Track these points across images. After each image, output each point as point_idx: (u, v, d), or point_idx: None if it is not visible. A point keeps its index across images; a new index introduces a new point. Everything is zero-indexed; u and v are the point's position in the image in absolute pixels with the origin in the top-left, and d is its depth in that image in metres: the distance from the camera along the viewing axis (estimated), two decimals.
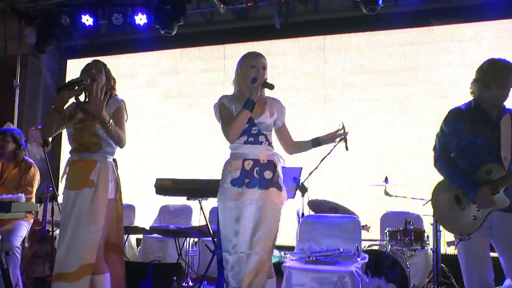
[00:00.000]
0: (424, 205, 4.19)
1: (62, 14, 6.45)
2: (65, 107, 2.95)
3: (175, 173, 6.38)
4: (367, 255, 3.68)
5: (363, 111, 5.99)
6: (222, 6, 5.49)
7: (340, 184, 5.90)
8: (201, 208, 4.24)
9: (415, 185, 5.19)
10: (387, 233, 4.51)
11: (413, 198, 4.51)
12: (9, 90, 6.92)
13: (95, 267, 2.70)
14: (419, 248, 4.48)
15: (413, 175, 5.52)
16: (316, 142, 2.82)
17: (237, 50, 6.64)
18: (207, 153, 6.57)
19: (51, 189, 5.33)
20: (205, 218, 4.25)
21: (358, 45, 6.16)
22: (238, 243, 2.55)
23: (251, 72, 2.69)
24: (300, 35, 6.32)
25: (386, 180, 4.45)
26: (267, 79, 2.69)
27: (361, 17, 6.08)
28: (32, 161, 4.45)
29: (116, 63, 6.83)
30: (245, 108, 2.59)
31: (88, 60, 7.27)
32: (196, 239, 5.32)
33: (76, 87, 2.89)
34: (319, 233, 3.88)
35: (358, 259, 3.54)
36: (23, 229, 4.24)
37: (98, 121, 2.79)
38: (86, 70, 3.00)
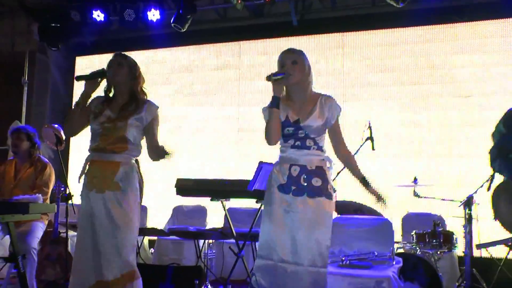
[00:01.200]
0: (460, 206, 4.04)
1: (72, 10, 6.28)
2: (89, 102, 2.79)
3: (187, 173, 6.23)
4: (401, 259, 3.54)
5: (382, 109, 5.86)
6: (239, 1, 5.34)
7: (356, 184, 5.75)
8: (224, 209, 4.10)
9: (442, 185, 5.07)
10: (414, 235, 4.38)
11: (444, 200, 4.37)
12: (17, 87, 6.76)
13: (134, 272, 2.56)
14: (446, 251, 4.36)
15: (439, 175, 5.39)
16: (365, 184, 2.63)
17: (253, 47, 6.50)
18: (221, 152, 6.42)
19: (62, 189, 5.18)
20: (228, 220, 4.11)
21: (378, 42, 6.03)
22: (283, 253, 2.40)
23: (280, 70, 2.54)
24: (318, 32, 6.18)
25: (415, 180, 4.31)
26: (291, 73, 2.48)
27: (380, 14, 5.99)
28: (48, 161, 4.29)
29: None
30: (270, 107, 2.47)
31: (98, 57, 7.15)
32: (211, 241, 5.18)
33: (99, 79, 2.74)
34: (349, 236, 3.74)
35: (393, 262, 3.40)
36: (40, 230, 4.10)
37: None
38: (108, 65, 2.83)
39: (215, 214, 5.76)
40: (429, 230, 4.29)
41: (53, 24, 6.46)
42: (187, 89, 6.75)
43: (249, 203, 5.65)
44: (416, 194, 4.32)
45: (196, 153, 6.54)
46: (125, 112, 2.73)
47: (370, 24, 6.06)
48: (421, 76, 5.79)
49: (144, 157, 2.83)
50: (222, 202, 4.05)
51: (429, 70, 5.76)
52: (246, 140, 6.37)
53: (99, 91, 2.85)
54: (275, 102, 2.46)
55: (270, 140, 2.51)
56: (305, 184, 2.45)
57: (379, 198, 2.60)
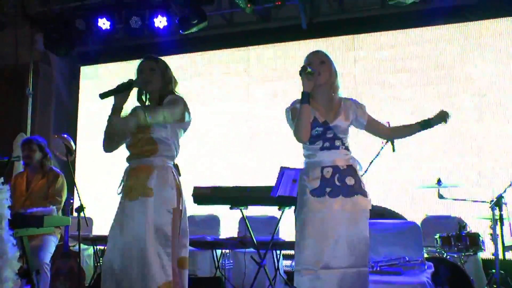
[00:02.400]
0: (490, 207, 3.92)
1: (77, 18, 6.18)
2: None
3: (198, 180, 6.09)
4: (432, 264, 3.41)
5: (397, 111, 5.75)
6: (249, 5, 5.25)
7: (374, 186, 5.65)
8: (244, 217, 3.96)
9: (465, 186, 4.96)
10: (438, 238, 4.25)
11: (473, 201, 4.24)
12: (21, 98, 6.65)
13: (174, 285, 2.40)
14: (472, 254, 4.24)
15: (461, 176, 5.28)
16: (426, 124, 2.66)
17: (262, 52, 6.41)
18: (232, 158, 6.30)
19: (71, 201, 5.04)
20: (248, 228, 3.96)
21: (389, 43, 5.95)
22: (327, 259, 2.32)
23: None
24: (328, 35, 6.10)
25: (439, 182, 4.18)
26: (320, 71, 2.48)
27: (390, 14, 5.92)
28: (60, 172, 4.17)
29: (133, 69, 6.53)
30: (302, 103, 2.43)
31: (103, 66, 7.04)
32: (226, 251, 5.05)
33: (126, 91, 2.55)
34: (376, 241, 3.58)
35: (425, 268, 3.26)
36: (52, 245, 3.98)
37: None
38: (138, 70, 2.67)
39: (226, 223, 5.63)
40: (454, 233, 4.16)
41: (58, 33, 6.35)
42: (196, 96, 6.63)
43: (262, 211, 5.54)
44: (441, 196, 4.19)
45: (206, 160, 6.41)
46: None
47: (380, 25, 5.99)
48: (435, 76, 5.70)
49: None
50: (241, 210, 3.91)
51: (442, 70, 5.67)
52: (258, 145, 6.25)
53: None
54: (306, 98, 2.43)
55: (301, 136, 2.45)
56: (339, 184, 2.41)
57: (443, 115, 2.64)
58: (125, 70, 6.71)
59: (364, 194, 2.46)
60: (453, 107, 5.57)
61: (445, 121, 2.63)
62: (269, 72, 6.36)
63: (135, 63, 2.74)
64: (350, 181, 2.43)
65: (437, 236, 4.29)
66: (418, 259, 3.27)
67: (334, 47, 6.13)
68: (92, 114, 6.99)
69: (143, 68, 2.65)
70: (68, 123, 7.04)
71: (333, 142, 2.47)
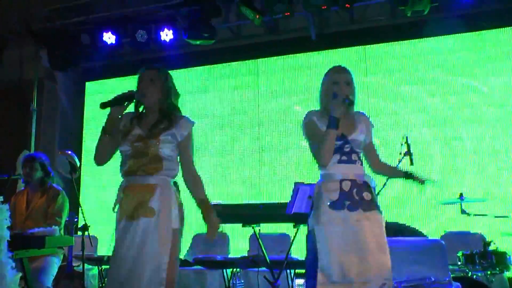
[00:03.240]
0: None
1: (82, 33, 6.09)
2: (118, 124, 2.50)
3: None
4: (459, 284, 3.19)
5: (411, 124, 5.57)
6: (257, 16, 5.13)
7: (390, 201, 5.43)
8: (257, 236, 3.75)
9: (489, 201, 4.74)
10: (461, 256, 4.01)
11: (497, 217, 4.02)
12: (26, 115, 6.54)
13: None
14: (498, 272, 4.00)
15: (484, 191, 5.06)
16: (409, 176, 2.61)
17: (271, 64, 6.27)
18: (242, 174, 6.12)
19: (75, 219, 4.87)
20: (261, 247, 3.76)
21: (400, 54, 5.80)
22: (353, 272, 2.26)
23: (334, 88, 2.47)
24: (338, 46, 5.97)
25: (461, 197, 3.96)
26: (349, 95, 2.42)
27: (401, 24, 5.79)
28: (61, 189, 3.99)
29: None
30: (331, 127, 2.37)
31: (109, 81, 6.89)
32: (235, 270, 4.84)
33: (126, 103, 2.45)
34: (397, 260, 3.32)
35: None
36: (55, 267, 3.78)
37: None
38: (138, 80, 2.54)
39: (236, 240, 5.46)
40: (478, 251, 3.93)
41: (62, 50, 6.26)
42: (203, 111, 6.48)
43: (272, 228, 5.34)
44: (463, 212, 3.96)
45: (215, 177, 6.23)
46: (156, 129, 2.44)
47: (390, 35, 5.86)
48: (451, 87, 5.52)
49: None
50: (253, 228, 3.72)
51: (458, 80, 5.50)
52: (267, 160, 6.07)
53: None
54: (335, 124, 2.37)
55: (325, 161, 2.41)
56: (357, 198, 2.37)
57: (428, 181, 2.60)
58: (131, 85, 6.58)
59: (379, 210, 2.44)
60: (474, 118, 5.38)
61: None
62: (278, 85, 6.21)
63: (161, 67, 2.60)
64: (367, 196, 2.40)
65: (459, 253, 4.06)
66: (445, 279, 3.05)
67: (344, 58, 5.99)
68: (97, 130, 6.85)
69: (142, 78, 2.51)
70: (73, 140, 6.91)
71: (350, 156, 2.44)
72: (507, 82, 5.32)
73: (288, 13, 5.27)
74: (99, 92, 6.97)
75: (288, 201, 3.45)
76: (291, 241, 3.84)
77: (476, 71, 5.47)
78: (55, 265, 3.76)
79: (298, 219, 3.37)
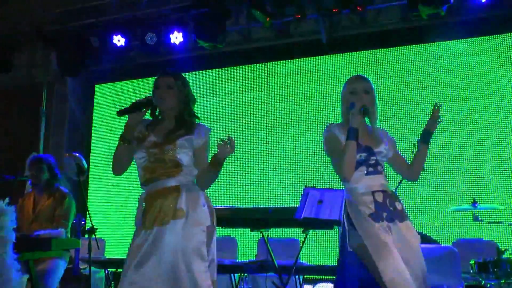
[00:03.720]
0: None
1: (92, 36, 6.09)
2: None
3: (214, 201, 5.87)
4: None
5: (422, 128, 5.46)
6: (268, 19, 5.09)
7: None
8: (266, 241, 3.68)
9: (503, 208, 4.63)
10: (474, 264, 3.91)
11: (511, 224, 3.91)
12: (35, 118, 6.55)
13: None
14: None
15: (496, 198, 4.95)
16: (425, 136, 2.50)
17: (281, 67, 6.23)
18: (250, 178, 6.06)
19: (82, 222, 4.83)
20: (270, 252, 3.69)
21: (412, 58, 5.72)
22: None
23: (352, 98, 2.43)
24: (348, 50, 5.90)
25: (474, 203, 3.86)
26: (366, 104, 2.37)
27: (412, 28, 5.71)
28: (68, 191, 3.95)
29: (149, 86, 6.41)
30: (350, 139, 2.32)
31: (118, 84, 6.83)
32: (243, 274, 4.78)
33: (143, 109, 2.37)
34: None
35: None
36: (61, 269, 3.74)
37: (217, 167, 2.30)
38: (155, 86, 2.46)
39: (243, 245, 5.43)
40: (492, 259, 3.83)
41: (72, 52, 6.26)
42: (213, 114, 6.45)
43: (279, 233, 5.28)
44: (476, 219, 3.86)
45: (224, 180, 6.18)
46: (173, 135, 2.38)
47: (402, 39, 5.78)
48: (465, 92, 5.42)
49: None
50: (262, 233, 3.65)
51: (472, 85, 5.40)
52: (278, 164, 6.02)
53: None
54: (355, 134, 2.32)
55: (347, 174, 2.34)
56: (392, 209, 2.34)
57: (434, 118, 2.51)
58: (142, 87, 6.60)
59: (409, 219, 2.41)
60: (485, 124, 5.28)
61: (438, 119, 2.52)
62: (288, 89, 6.16)
63: (150, 81, 2.56)
64: (399, 206, 2.37)
65: (472, 261, 3.95)
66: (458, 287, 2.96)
67: (355, 62, 5.92)
68: (106, 133, 6.86)
69: (160, 84, 2.43)
70: (81, 142, 6.91)
71: (376, 168, 2.40)
72: None
73: (299, 16, 5.21)
74: (108, 95, 6.97)
75: (297, 206, 3.39)
76: (300, 246, 3.76)
77: (488, 76, 5.37)
78: (61, 267, 3.73)
79: (308, 224, 3.29)
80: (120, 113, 2.31)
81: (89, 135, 6.99)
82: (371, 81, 2.49)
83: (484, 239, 4.73)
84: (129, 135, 2.37)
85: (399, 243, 2.24)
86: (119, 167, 2.42)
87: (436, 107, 2.49)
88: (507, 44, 5.36)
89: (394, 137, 2.58)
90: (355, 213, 2.33)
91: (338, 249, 2.47)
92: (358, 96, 2.40)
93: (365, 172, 2.36)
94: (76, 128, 6.97)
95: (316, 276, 4.56)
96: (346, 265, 2.33)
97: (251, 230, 3.60)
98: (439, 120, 2.48)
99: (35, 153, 6.26)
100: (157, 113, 2.50)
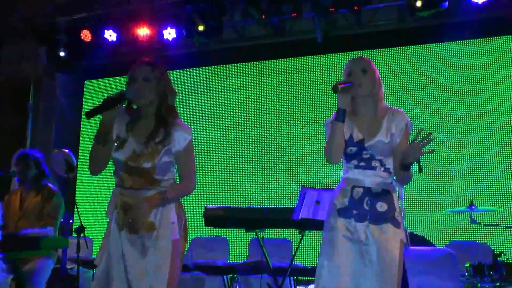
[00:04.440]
0: None
1: (83, 30, 5.96)
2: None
3: (207, 200, 5.79)
4: None
5: (418, 129, 5.44)
6: (263, 16, 5.01)
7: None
8: (260, 241, 3.61)
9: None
10: (469, 267, 3.86)
11: (509, 227, 3.87)
12: (23, 112, 6.40)
13: None
14: (509, 285, 3.86)
15: (493, 200, 4.93)
16: (402, 166, 2.15)
17: (276, 66, 6.16)
18: (243, 177, 5.98)
19: (71, 221, 4.71)
20: (264, 253, 3.62)
21: (408, 58, 5.69)
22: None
23: (349, 80, 2.25)
24: (344, 50, 5.84)
25: (471, 206, 3.81)
26: (363, 90, 2.21)
27: (409, 29, 5.69)
28: (57, 189, 3.83)
29: None
30: (336, 120, 2.19)
31: (109, 81, 6.67)
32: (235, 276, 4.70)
33: (117, 106, 2.16)
34: (407, 270, 3.24)
35: None
36: (48, 269, 3.63)
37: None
38: (130, 78, 2.25)
39: (233, 245, 5.38)
40: (488, 262, 3.80)
41: (62, 47, 6.12)
42: (206, 112, 6.35)
43: (272, 233, 5.20)
44: (474, 222, 3.81)
45: (217, 179, 6.10)
46: (152, 142, 2.20)
47: (398, 40, 5.74)
48: (463, 93, 5.39)
49: None
50: (256, 234, 3.58)
51: (468, 85, 5.38)
52: (270, 163, 5.94)
53: None
54: (341, 116, 2.18)
55: (330, 158, 2.24)
56: (368, 208, 2.17)
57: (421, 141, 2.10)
58: None
59: (395, 224, 2.17)
60: (482, 125, 5.26)
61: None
62: (282, 87, 6.09)
63: (155, 61, 2.36)
64: (381, 207, 2.17)
65: (467, 264, 3.91)
66: None
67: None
68: (96, 130, 6.73)
69: (135, 76, 2.21)
70: (70, 139, 6.76)
71: (370, 162, 2.23)
72: None
73: (296, 14, 5.14)
74: (98, 91, 6.84)
75: (293, 206, 3.33)
76: (294, 247, 3.70)
77: (485, 77, 5.36)
78: (49, 267, 3.62)
79: (305, 225, 3.23)
80: (90, 113, 2.09)
81: (77, 131, 6.85)
82: (370, 61, 2.30)
83: (477, 241, 4.72)
84: (104, 135, 2.18)
85: (363, 248, 2.11)
86: (95, 167, 2.26)
87: (420, 136, 2.13)
88: (504, 46, 5.35)
89: (410, 121, 2.31)
90: (331, 202, 2.26)
91: None
92: (354, 76, 2.23)
93: (355, 165, 2.23)
94: (65, 124, 6.82)
95: (309, 278, 4.49)
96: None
97: (246, 231, 3.54)
98: (421, 150, 2.08)
99: (22, 148, 6.14)
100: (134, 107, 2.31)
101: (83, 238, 4.12)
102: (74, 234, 4.13)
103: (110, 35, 5.92)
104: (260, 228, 3.50)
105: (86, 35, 5.97)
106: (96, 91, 6.89)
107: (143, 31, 5.79)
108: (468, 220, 4.16)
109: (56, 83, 6.69)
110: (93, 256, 5.19)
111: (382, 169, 2.22)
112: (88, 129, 6.82)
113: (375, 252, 2.11)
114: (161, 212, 2.18)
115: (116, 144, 2.24)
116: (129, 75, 2.25)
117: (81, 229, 4.07)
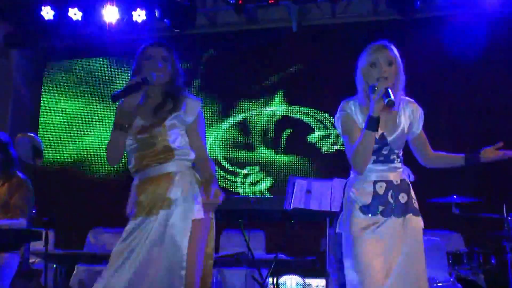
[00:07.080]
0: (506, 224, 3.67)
1: (44, 6, 5.54)
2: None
3: None
4: (461, 286, 3.11)
5: None
6: (240, 1, 4.87)
7: None
8: (243, 232, 3.52)
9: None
10: (450, 256, 3.93)
11: (486, 215, 3.93)
12: None
13: None
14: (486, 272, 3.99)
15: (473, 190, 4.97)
16: (473, 158, 2.20)
17: (249, 55, 6.02)
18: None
19: (33, 211, 4.40)
20: (247, 244, 3.52)
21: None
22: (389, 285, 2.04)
23: (372, 73, 2.11)
24: (318, 40, 5.80)
25: (452, 196, 3.86)
26: (389, 88, 2.01)
27: (384, 21, 5.71)
28: (26, 177, 3.52)
29: (108, 68, 6.02)
30: (368, 130, 2.04)
31: (72, 63, 6.29)
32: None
33: (140, 91, 2.11)
34: None
35: None
36: (14, 265, 3.35)
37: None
38: (146, 59, 2.20)
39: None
40: (465, 250, 3.90)
41: (21, 25, 5.70)
42: None
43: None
44: (455, 212, 3.85)
45: None
46: (161, 113, 2.16)
47: (372, 32, 5.74)
48: (436, 86, 5.48)
49: None
50: (240, 224, 3.48)
51: (441, 79, 5.49)
52: (241, 158, 5.84)
53: None
54: (375, 124, 2.04)
55: (360, 167, 2.12)
56: (392, 201, 2.14)
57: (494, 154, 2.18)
58: (100, 69, 6.13)
59: (415, 212, 2.19)
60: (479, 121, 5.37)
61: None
62: (256, 76, 5.99)
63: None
64: (403, 198, 2.15)
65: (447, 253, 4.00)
66: (449, 280, 2.95)
67: (325, 51, 5.84)
68: (56, 115, 6.35)
69: (154, 54, 2.19)
70: (27, 123, 6.33)
71: (388, 156, 2.18)
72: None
73: (272, 1, 5.03)
74: (60, 74, 6.44)
75: (280, 196, 3.26)
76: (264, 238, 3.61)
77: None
78: (14, 263, 3.35)
79: (296, 215, 3.16)
80: (116, 96, 2.06)
81: (36, 115, 6.43)
82: (394, 49, 2.14)
83: (451, 230, 4.79)
84: (127, 121, 2.13)
85: (391, 242, 2.08)
86: (115, 156, 2.20)
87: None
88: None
89: (421, 111, 2.25)
90: (349, 201, 2.17)
91: None
92: (379, 69, 2.07)
93: (374, 160, 2.14)
94: (23, 106, 6.38)
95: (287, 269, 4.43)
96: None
97: (228, 222, 3.42)
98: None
99: None
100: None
101: (52, 231, 3.87)
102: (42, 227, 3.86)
103: (75, 13, 5.55)
104: (245, 219, 3.39)
105: (47, 13, 5.55)
106: (57, 73, 6.48)
107: (111, 12, 5.47)
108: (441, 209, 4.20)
109: (13, 64, 6.22)
110: (58, 250, 4.89)
111: (398, 160, 2.19)
112: (48, 113, 6.41)
113: (404, 245, 2.10)
114: (181, 186, 2.08)
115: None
116: (144, 53, 2.22)
117: (50, 221, 3.80)
